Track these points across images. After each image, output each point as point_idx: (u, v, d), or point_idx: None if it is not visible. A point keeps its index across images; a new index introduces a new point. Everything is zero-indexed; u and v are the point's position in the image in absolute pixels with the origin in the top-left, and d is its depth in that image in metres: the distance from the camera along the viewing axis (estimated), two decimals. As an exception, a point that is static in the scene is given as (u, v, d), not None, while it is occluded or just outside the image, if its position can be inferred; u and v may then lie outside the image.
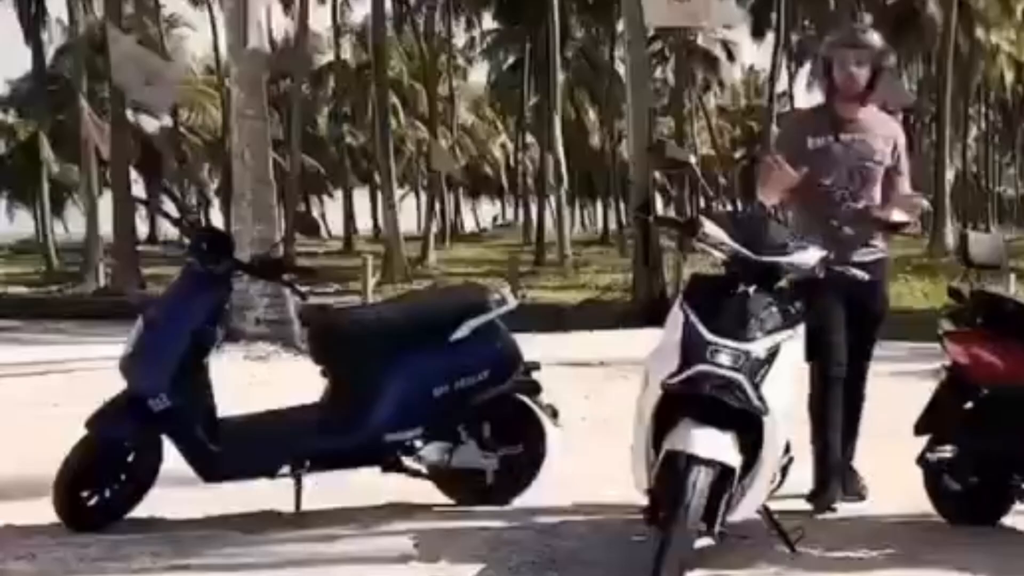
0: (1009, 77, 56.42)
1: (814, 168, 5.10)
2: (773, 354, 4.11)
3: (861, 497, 5.41)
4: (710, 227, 4.34)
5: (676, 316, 4.23)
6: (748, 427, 4.05)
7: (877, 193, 5.27)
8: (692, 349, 4.08)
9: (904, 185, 5.36)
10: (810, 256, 4.40)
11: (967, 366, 4.98)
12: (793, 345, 4.20)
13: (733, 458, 3.99)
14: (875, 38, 5.34)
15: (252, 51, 13.89)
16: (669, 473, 3.95)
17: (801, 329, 4.28)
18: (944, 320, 5.14)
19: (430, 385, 5.17)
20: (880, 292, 5.36)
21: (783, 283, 4.41)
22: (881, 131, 5.34)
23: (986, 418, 4.97)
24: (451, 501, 5.41)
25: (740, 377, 4.01)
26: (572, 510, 5.27)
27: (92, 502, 5.03)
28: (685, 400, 4.04)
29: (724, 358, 4.04)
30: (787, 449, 4.37)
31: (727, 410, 4.00)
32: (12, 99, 59.80)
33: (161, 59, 30.47)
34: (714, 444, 3.94)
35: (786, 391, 4.16)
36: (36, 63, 45.52)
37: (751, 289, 4.21)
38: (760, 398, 4.02)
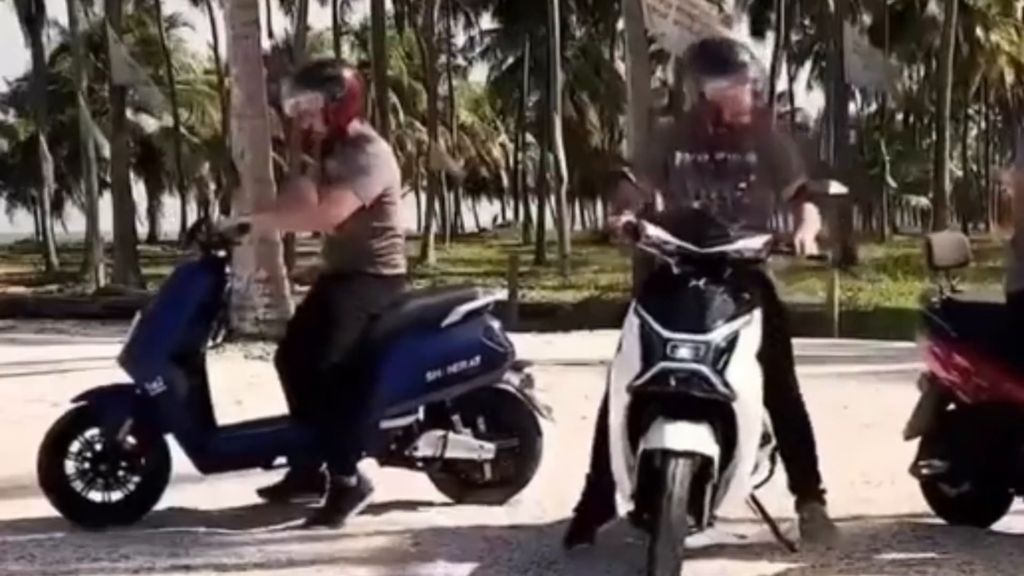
0: (1009, 77, 56.44)
1: (679, 188, 4.68)
2: (732, 341, 4.11)
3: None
4: (652, 229, 4.33)
5: (632, 321, 4.23)
6: (721, 418, 4.05)
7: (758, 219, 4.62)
8: (651, 349, 4.08)
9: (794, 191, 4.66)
10: (755, 241, 4.36)
11: (946, 379, 4.91)
12: (751, 331, 4.20)
13: (710, 447, 3.99)
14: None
15: (252, 51, 13.86)
16: (648, 472, 3.96)
17: (758, 314, 4.27)
18: (920, 333, 5.05)
19: (423, 369, 5.20)
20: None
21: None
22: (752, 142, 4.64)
23: (971, 431, 4.85)
24: (450, 500, 5.42)
25: (703, 368, 4.02)
26: (572, 510, 5.26)
27: (98, 500, 5.06)
28: (654, 400, 4.05)
29: (684, 352, 4.04)
30: (767, 438, 4.37)
31: (697, 403, 4.00)
32: (12, 99, 59.77)
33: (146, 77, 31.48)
34: (688, 436, 3.94)
35: (751, 376, 4.16)
36: (36, 63, 45.46)
37: (702, 282, 4.21)
38: (726, 384, 4.02)
